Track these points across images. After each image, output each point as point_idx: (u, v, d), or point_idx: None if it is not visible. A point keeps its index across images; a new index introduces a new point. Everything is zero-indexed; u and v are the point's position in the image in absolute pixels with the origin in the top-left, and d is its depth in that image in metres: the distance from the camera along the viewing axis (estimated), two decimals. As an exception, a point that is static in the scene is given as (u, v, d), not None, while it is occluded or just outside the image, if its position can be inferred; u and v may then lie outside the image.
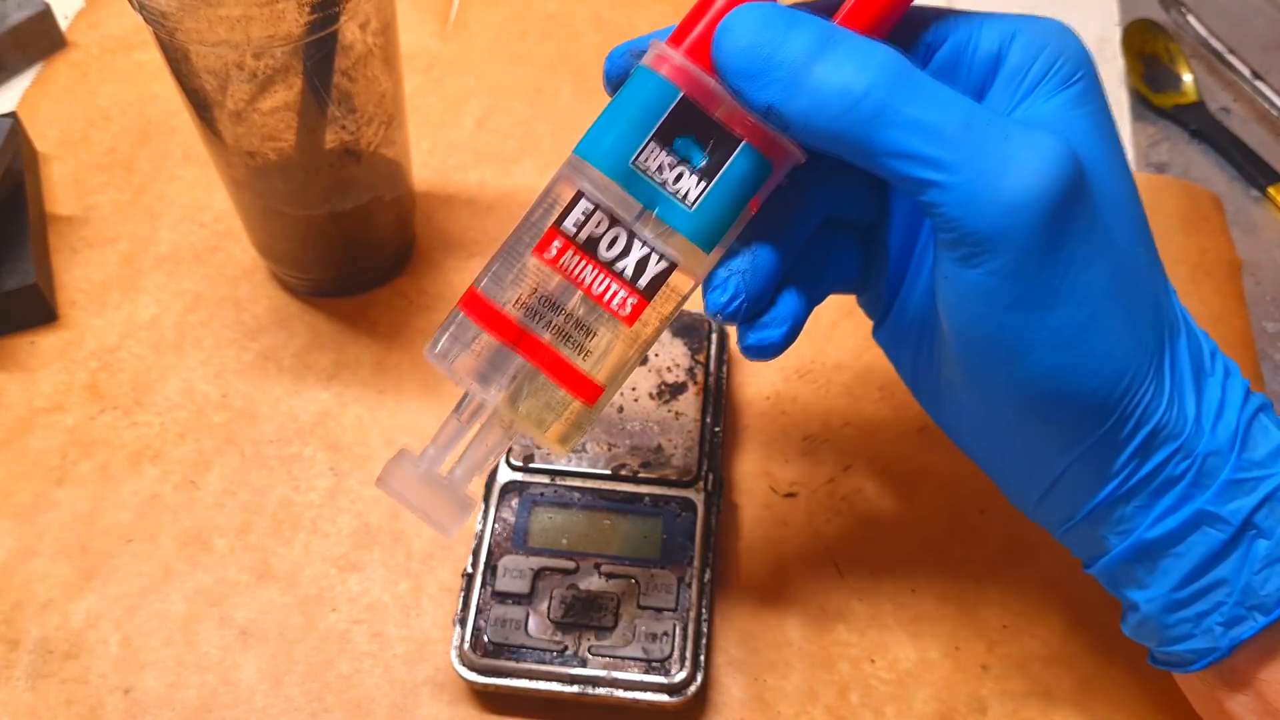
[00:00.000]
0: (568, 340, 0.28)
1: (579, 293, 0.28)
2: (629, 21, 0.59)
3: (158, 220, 0.50)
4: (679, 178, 0.27)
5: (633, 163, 0.27)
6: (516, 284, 0.28)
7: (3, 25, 0.54)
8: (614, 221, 0.27)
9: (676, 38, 0.27)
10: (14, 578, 0.39)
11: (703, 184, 0.27)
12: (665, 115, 0.27)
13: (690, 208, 0.27)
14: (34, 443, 0.42)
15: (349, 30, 0.37)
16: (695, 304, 0.29)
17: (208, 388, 0.44)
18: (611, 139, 0.27)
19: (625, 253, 0.27)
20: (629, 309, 0.28)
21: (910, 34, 0.28)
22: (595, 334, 0.28)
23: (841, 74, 0.25)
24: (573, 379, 0.28)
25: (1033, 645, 0.38)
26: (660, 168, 0.27)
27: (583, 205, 0.27)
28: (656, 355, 0.42)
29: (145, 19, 0.35)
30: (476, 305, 0.28)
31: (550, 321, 0.28)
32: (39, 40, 0.56)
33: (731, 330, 0.44)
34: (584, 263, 0.27)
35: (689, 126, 0.27)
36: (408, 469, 0.30)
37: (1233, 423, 0.27)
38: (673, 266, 0.28)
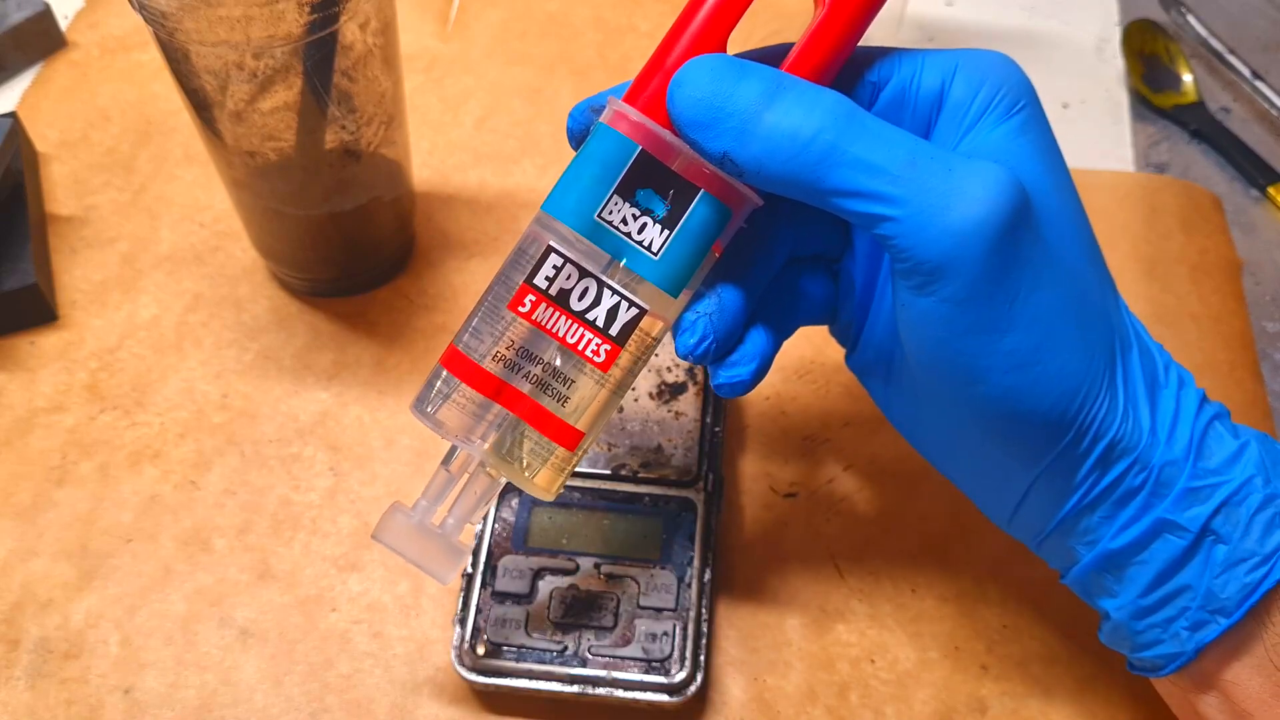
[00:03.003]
0: (546, 390, 0.29)
1: (555, 344, 0.29)
2: (629, 21, 0.59)
3: (158, 220, 0.50)
4: (643, 228, 0.28)
5: (598, 216, 0.28)
6: (494, 339, 0.29)
7: (3, 25, 0.54)
8: (584, 273, 0.28)
9: (632, 94, 0.28)
10: (14, 578, 0.39)
11: (666, 233, 0.28)
12: (625, 169, 0.28)
13: (655, 256, 0.28)
14: (34, 443, 0.42)
15: (349, 30, 0.37)
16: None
17: (208, 388, 0.44)
18: (576, 195, 0.28)
19: (596, 302, 0.28)
20: (603, 356, 0.29)
21: (856, 75, 0.29)
22: (573, 382, 0.29)
23: (790, 119, 0.26)
24: (554, 427, 0.29)
25: (1032, 645, 0.38)
26: (624, 219, 0.28)
27: (553, 259, 0.28)
28: (657, 355, 0.42)
29: (145, 19, 0.35)
30: (457, 362, 0.29)
31: (529, 373, 0.29)
32: (39, 40, 0.56)
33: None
34: (557, 315, 0.28)
35: (649, 179, 0.28)
36: (401, 521, 0.30)
37: (1187, 432, 0.28)
38: (643, 313, 0.29)
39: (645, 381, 0.41)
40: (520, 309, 0.28)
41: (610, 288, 0.28)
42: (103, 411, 0.43)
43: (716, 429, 0.40)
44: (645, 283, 0.28)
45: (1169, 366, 0.29)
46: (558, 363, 0.29)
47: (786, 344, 0.46)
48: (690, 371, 0.41)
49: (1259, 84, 0.56)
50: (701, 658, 0.35)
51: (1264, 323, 0.48)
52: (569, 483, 0.39)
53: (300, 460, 0.42)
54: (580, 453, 0.30)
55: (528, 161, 0.52)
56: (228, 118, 0.38)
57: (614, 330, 0.28)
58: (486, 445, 0.29)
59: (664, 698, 0.35)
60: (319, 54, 0.37)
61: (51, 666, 0.37)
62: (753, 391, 0.44)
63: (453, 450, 0.30)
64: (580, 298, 0.28)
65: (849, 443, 0.43)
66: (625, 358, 0.29)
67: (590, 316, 0.28)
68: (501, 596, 0.36)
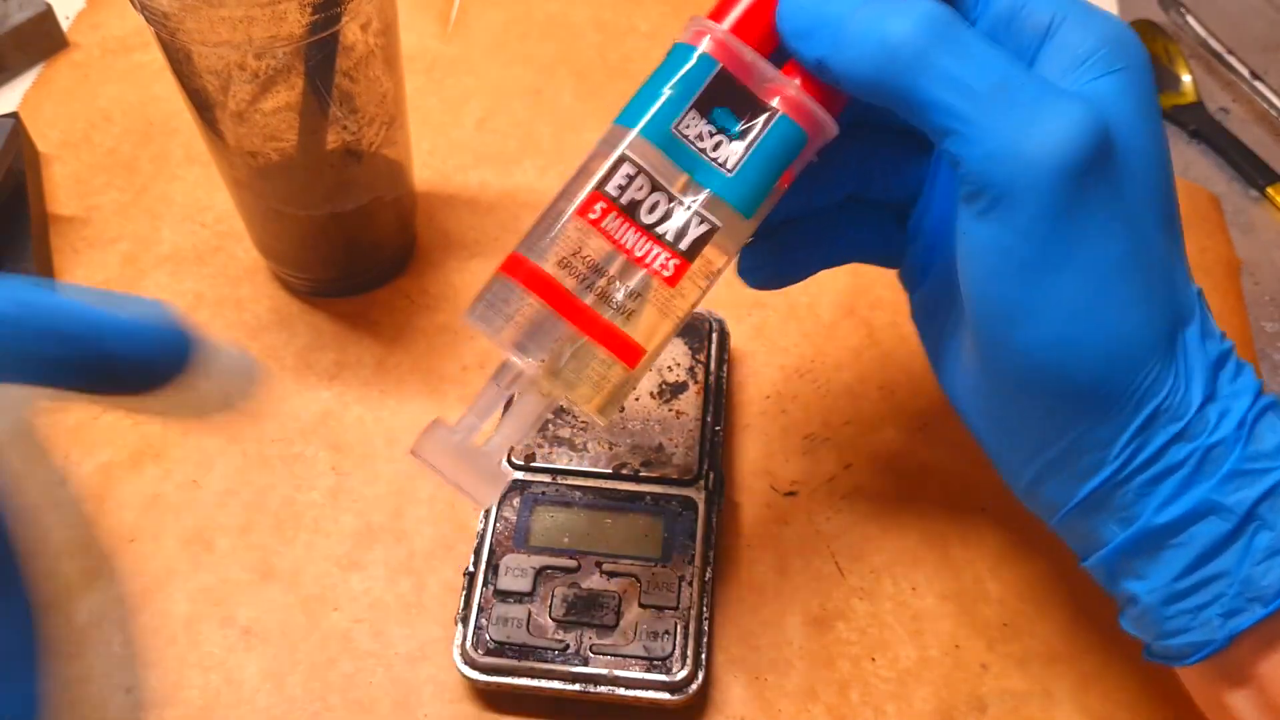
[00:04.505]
0: (610, 302, 0.28)
1: (621, 255, 0.28)
2: (629, 22, 0.59)
3: (159, 220, 0.50)
4: (718, 145, 0.28)
5: (674, 129, 0.28)
6: (558, 246, 0.28)
7: (4, 26, 0.54)
8: (655, 186, 0.28)
9: (716, 14, 0.28)
10: (16, 577, 0.39)
11: (740, 152, 0.28)
12: (704, 85, 0.28)
13: (729, 174, 0.28)
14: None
15: (350, 31, 0.37)
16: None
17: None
18: (652, 107, 0.28)
19: (667, 216, 0.28)
20: (671, 269, 0.28)
21: None
22: (639, 295, 0.28)
23: (883, 25, 0.26)
24: (615, 341, 0.28)
25: (1033, 644, 0.38)
26: (700, 135, 0.28)
27: (625, 169, 0.28)
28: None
29: (147, 19, 0.36)
30: (518, 267, 0.28)
31: (592, 283, 0.28)
32: (40, 41, 0.56)
33: (731, 318, 0.44)
34: (626, 225, 0.28)
35: (727, 97, 0.28)
36: (443, 438, 0.29)
37: (1240, 415, 0.27)
38: (714, 229, 0.28)
39: (646, 381, 0.41)
40: (589, 215, 0.28)
41: (681, 202, 0.28)
42: (105, 411, 0.43)
43: (717, 428, 0.40)
44: (717, 199, 0.28)
45: (1230, 352, 0.29)
46: (623, 275, 0.28)
47: (787, 343, 0.46)
48: (691, 371, 0.41)
49: (1258, 84, 0.56)
50: (703, 656, 0.36)
51: (1263, 323, 0.48)
52: (570, 482, 0.39)
53: (302, 460, 0.42)
54: (638, 374, 0.29)
55: (528, 162, 0.52)
56: (229, 118, 0.39)
57: (684, 245, 0.28)
58: (542, 359, 0.28)
59: (665, 696, 0.35)
60: (321, 54, 0.37)
61: (54, 667, 0.37)
62: (753, 390, 0.44)
63: (504, 365, 0.29)
64: (650, 210, 0.28)
65: (849, 441, 0.43)
66: (691, 279, 0.28)
67: (660, 230, 0.28)
68: (503, 595, 0.36)
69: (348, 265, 0.46)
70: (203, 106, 0.39)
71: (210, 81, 0.37)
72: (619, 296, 0.28)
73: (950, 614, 0.39)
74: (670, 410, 0.41)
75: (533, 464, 0.39)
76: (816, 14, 0.27)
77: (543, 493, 0.39)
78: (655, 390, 0.41)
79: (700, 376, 0.41)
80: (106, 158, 0.52)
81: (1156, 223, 0.28)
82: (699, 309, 0.42)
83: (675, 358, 0.42)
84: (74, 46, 0.57)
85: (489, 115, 0.54)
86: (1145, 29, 0.59)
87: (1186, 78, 0.57)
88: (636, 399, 0.41)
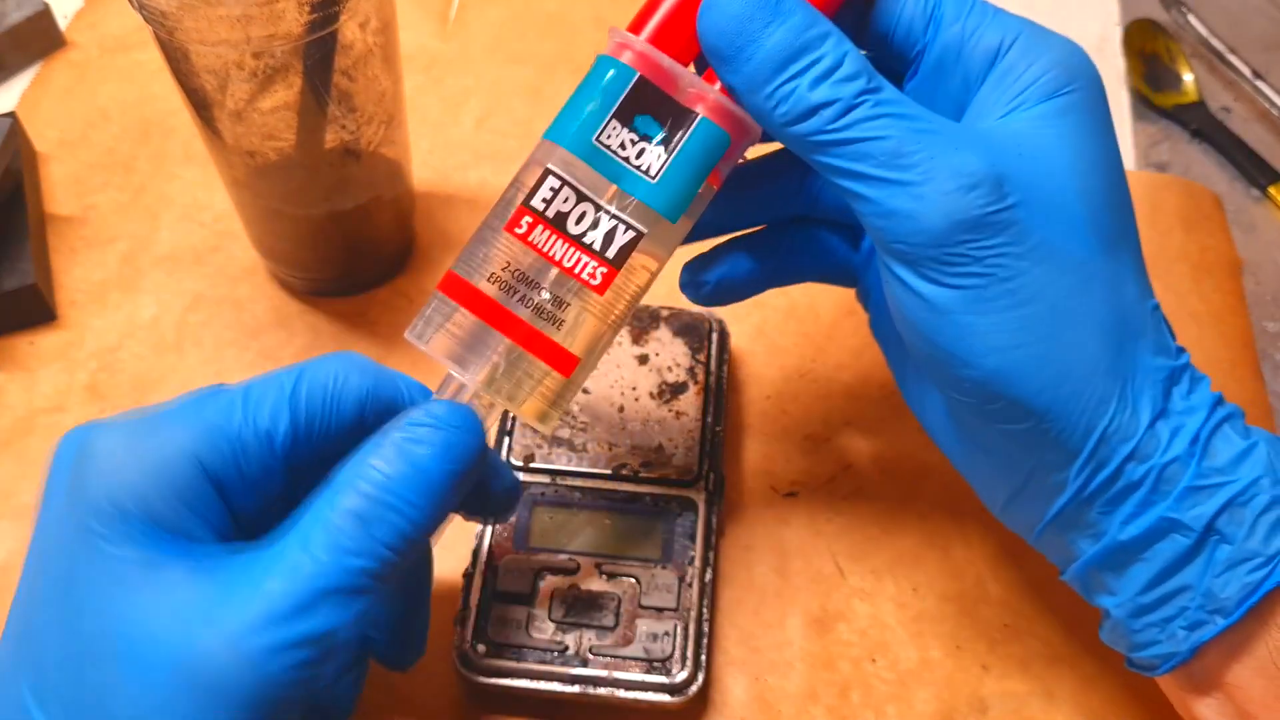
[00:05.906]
0: (542, 314, 0.28)
1: (552, 268, 0.28)
2: (628, 20, 0.59)
3: (157, 220, 0.49)
4: (640, 153, 0.28)
5: (596, 140, 0.28)
6: (490, 261, 0.28)
7: (2, 25, 0.54)
8: (581, 197, 0.28)
9: (635, 26, 0.29)
10: (14, 578, 0.39)
11: (664, 158, 0.28)
12: (623, 95, 0.28)
13: (653, 179, 0.28)
14: (34, 443, 0.42)
15: (349, 29, 0.37)
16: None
17: (208, 388, 0.44)
18: (575, 120, 0.28)
19: (594, 225, 0.28)
20: (599, 278, 0.28)
21: (923, 6, 0.29)
22: (568, 305, 0.28)
23: (802, 86, 0.27)
24: (549, 351, 0.28)
25: (1034, 645, 0.38)
26: (623, 144, 0.28)
27: (550, 182, 0.28)
28: (657, 355, 0.42)
29: (145, 18, 0.35)
30: (453, 284, 0.29)
31: (524, 296, 0.28)
32: (38, 40, 0.56)
33: (731, 318, 0.44)
34: (554, 237, 0.28)
35: (647, 104, 0.28)
36: None
37: (1193, 431, 0.28)
38: (640, 235, 0.28)
39: (646, 381, 0.41)
40: (517, 230, 0.28)
41: (607, 211, 0.28)
42: (103, 411, 0.43)
43: (717, 428, 0.40)
44: (643, 205, 0.28)
45: (1185, 366, 0.29)
46: (554, 286, 0.28)
47: (787, 343, 0.46)
48: (691, 371, 0.41)
49: (1260, 83, 0.56)
50: (703, 657, 0.35)
51: (1264, 322, 0.48)
52: (569, 483, 0.39)
53: (300, 460, 0.42)
54: (574, 383, 0.29)
55: (528, 161, 0.52)
56: (228, 117, 0.38)
57: (610, 253, 0.28)
58: (481, 373, 0.28)
59: (665, 698, 0.35)
60: (319, 53, 0.37)
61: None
62: (754, 391, 0.44)
63: (446, 378, 0.29)
64: (578, 221, 0.28)
65: (850, 442, 0.43)
66: (622, 284, 0.29)
67: (587, 240, 0.28)
68: (502, 596, 0.36)
69: (346, 265, 0.46)
70: (201, 105, 0.39)
71: (208, 80, 0.37)
72: (549, 307, 0.28)
73: (951, 615, 0.38)
74: (670, 411, 0.40)
75: (532, 465, 0.39)
76: (738, 46, 0.27)
77: (542, 494, 0.38)
78: (655, 391, 0.41)
79: (700, 377, 0.41)
80: (104, 157, 0.52)
81: (1092, 246, 0.28)
82: (699, 309, 0.42)
83: (675, 358, 0.42)
84: (72, 45, 0.57)
85: (488, 114, 0.54)
86: (1147, 28, 0.59)
87: (1188, 77, 0.57)
88: (636, 400, 0.40)
